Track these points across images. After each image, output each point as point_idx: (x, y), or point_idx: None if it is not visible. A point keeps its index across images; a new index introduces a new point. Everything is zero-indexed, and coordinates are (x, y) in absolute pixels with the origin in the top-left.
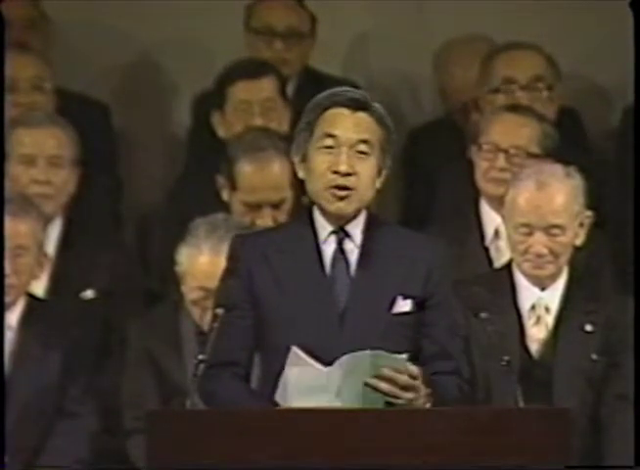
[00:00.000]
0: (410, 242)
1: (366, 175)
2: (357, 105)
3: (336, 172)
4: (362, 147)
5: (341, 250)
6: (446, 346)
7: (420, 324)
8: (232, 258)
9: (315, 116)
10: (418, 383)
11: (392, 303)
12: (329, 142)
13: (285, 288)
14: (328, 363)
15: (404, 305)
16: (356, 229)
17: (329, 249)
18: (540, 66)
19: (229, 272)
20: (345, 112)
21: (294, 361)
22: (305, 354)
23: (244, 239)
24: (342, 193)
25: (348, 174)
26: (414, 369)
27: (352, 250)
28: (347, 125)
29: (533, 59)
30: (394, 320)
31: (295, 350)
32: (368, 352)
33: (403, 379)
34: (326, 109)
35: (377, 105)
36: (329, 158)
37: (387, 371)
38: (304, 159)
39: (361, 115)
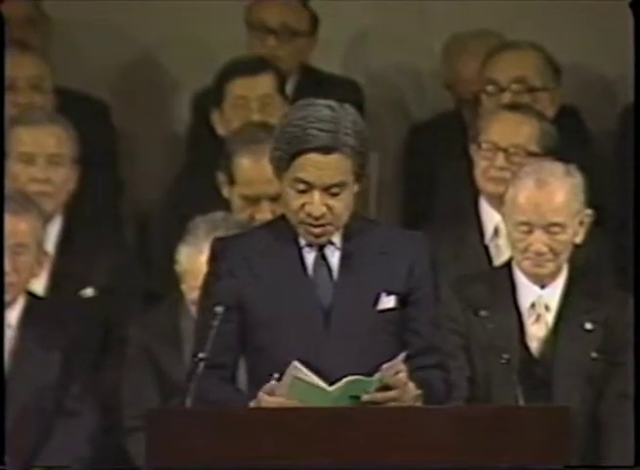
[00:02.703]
0: (391, 238)
1: (340, 208)
2: (326, 149)
3: (309, 215)
4: (335, 189)
5: (322, 255)
6: (430, 340)
7: (405, 319)
8: (213, 260)
9: (287, 156)
10: (403, 376)
11: (377, 300)
12: (301, 187)
13: (267, 289)
14: (316, 365)
15: (388, 302)
16: (336, 234)
17: (310, 255)
18: (527, 67)
19: (210, 275)
20: (315, 157)
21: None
22: (307, 370)
23: (224, 241)
24: (318, 230)
25: (322, 216)
26: (400, 366)
27: (333, 252)
28: (319, 172)
29: (523, 60)
30: (380, 317)
31: (296, 364)
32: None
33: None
34: (296, 154)
35: (346, 135)
36: (302, 198)
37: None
38: (279, 178)
39: (332, 158)
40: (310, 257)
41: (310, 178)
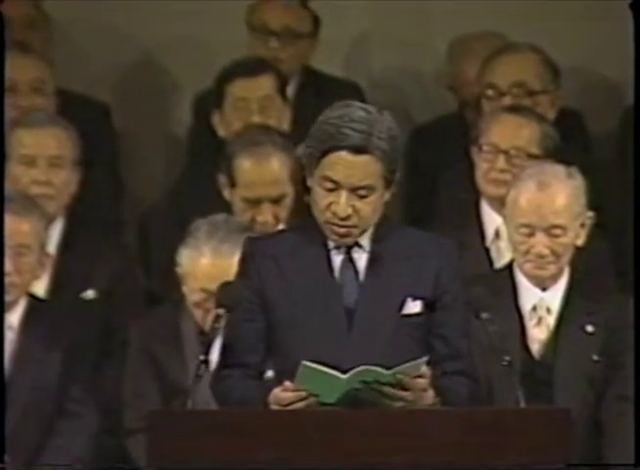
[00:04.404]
0: (419, 243)
1: (367, 211)
2: (357, 149)
3: (335, 214)
4: (363, 192)
5: (349, 258)
6: (458, 346)
7: (431, 325)
8: (243, 259)
9: (318, 153)
10: (424, 382)
11: (402, 304)
12: (329, 185)
13: (293, 290)
14: (338, 365)
15: (414, 307)
16: (365, 237)
17: (337, 257)
18: (526, 71)
19: (240, 274)
20: (346, 156)
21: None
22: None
23: (255, 241)
24: (343, 231)
25: (348, 217)
26: (425, 371)
27: (361, 256)
28: (348, 172)
29: (522, 63)
30: (404, 322)
31: (306, 363)
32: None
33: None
34: (327, 151)
35: (379, 139)
36: (330, 197)
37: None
38: (310, 176)
39: (362, 159)
40: (338, 259)
41: (338, 177)
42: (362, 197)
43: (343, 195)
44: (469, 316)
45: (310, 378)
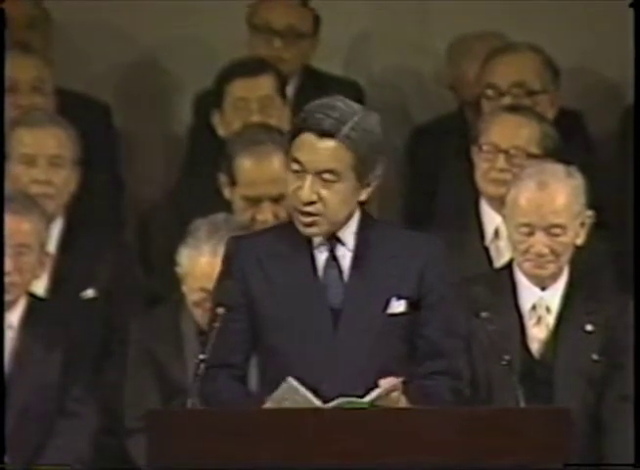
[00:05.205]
0: (404, 241)
1: (333, 201)
2: (324, 133)
3: (299, 198)
4: (327, 176)
5: (333, 257)
6: (441, 345)
7: (415, 324)
8: (226, 259)
9: (291, 137)
10: (395, 396)
11: (387, 303)
12: (295, 167)
13: (278, 291)
14: (324, 366)
15: (399, 306)
16: (349, 234)
17: (321, 256)
18: (526, 71)
19: (223, 274)
20: (313, 139)
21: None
22: (301, 386)
23: (238, 240)
24: (308, 220)
25: (311, 203)
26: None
27: (345, 255)
28: (313, 154)
29: (522, 63)
30: (389, 321)
31: (290, 381)
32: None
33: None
34: (297, 132)
35: (351, 129)
36: (297, 182)
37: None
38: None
39: (328, 143)
40: (321, 258)
41: (303, 158)
42: (327, 181)
43: (308, 179)
44: (456, 315)
45: (290, 401)
